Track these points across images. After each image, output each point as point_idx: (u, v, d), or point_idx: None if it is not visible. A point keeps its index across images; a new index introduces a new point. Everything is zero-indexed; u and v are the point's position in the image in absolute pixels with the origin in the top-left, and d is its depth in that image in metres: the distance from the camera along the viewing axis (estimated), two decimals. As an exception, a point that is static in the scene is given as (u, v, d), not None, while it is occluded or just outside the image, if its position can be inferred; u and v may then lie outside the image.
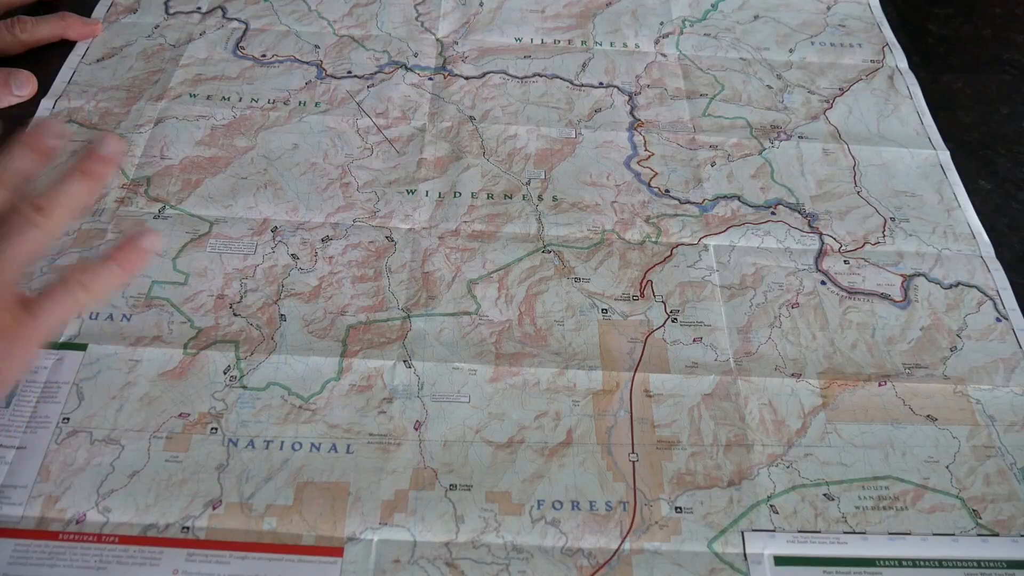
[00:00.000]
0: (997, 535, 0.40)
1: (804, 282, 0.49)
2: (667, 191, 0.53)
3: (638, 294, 0.48)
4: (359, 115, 0.56)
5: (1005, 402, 0.45)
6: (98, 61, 0.59)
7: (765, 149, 0.56)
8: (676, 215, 0.52)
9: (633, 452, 0.42)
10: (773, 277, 0.49)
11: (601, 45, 0.63)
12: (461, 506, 0.39)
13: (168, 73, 0.58)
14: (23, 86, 0.55)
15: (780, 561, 0.39)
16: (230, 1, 0.64)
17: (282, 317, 0.46)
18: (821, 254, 0.51)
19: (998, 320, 0.48)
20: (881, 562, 0.39)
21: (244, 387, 0.43)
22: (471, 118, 0.57)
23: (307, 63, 0.59)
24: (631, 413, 0.43)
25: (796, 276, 0.49)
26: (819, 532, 0.40)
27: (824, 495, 0.41)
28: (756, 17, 0.66)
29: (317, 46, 0.61)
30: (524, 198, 0.52)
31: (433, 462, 0.41)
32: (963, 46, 0.66)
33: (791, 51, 0.63)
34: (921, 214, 0.53)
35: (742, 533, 0.39)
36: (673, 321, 0.47)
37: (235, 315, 0.46)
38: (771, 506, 0.40)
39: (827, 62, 0.63)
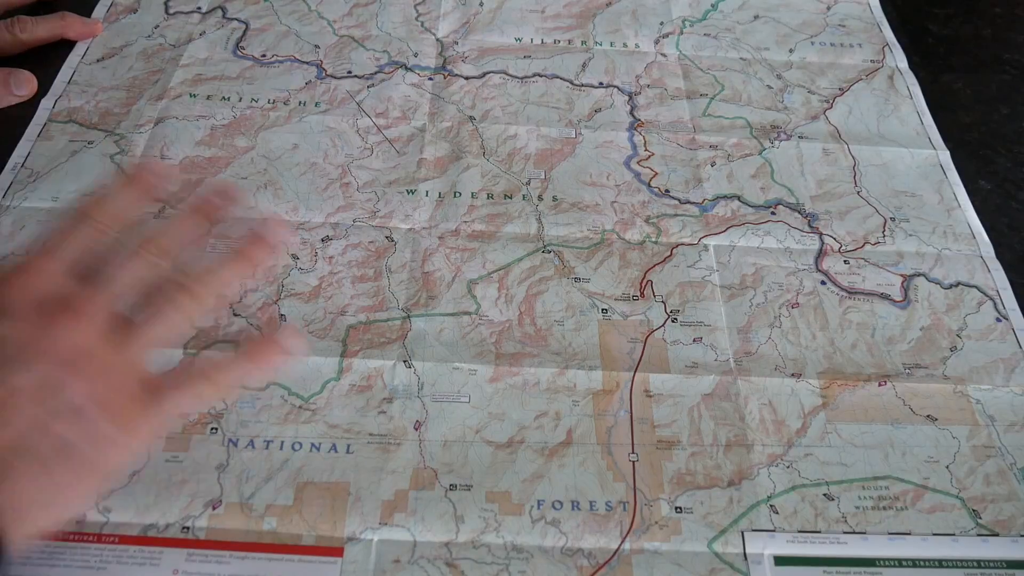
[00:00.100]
0: (997, 535, 0.40)
1: (804, 282, 0.49)
2: (667, 191, 0.53)
3: (638, 294, 0.48)
4: (359, 115, 0.56)
5: (1005, 402, 0.45)
6: (98, 61, 0.59)
7: (765, 149, 0.56)
8: (676, 215, 0.52)
9: (633, 452, 0.42)
10: (773, 277, 0.49)
11: (601, 45, 0.63)
12: (461, 506, 0.39)
13: (168, 73, 0.58)
14: (23, 86, 0.55)
15: (780, 561, 0.39)
16: (230, 1, 0.64)
17: (282, 317, 0.46)
18: (821, 254, 0.51)
19: (998, 320, 0.48)
20: (881, 562, 0.39)
21: (244, 387, 0.43)
22: (471, 118, 0.57)
23: (307, 63, 0.59)
24: (631, 413, 0.43)
25: (796, 276, 0.49)
26: (819, 532, 0.40)
27: (824, 495, 0.41)
28: (756, 17, 0.66)
29: (317, 46, 0.61)
30: (524, 198, 0.52)
31: (433, 462, 0.41)
32: (963, 46, 0.66)
33: (791, 51, 0.63)
34: (921, 214, 0.53)
35: (742, 533, 0.39)
36: (673, 321, 0.47)
37: (235, 315, 0.46)
38: (771, 506, 0.40)
39: (827, 62, 0.63)
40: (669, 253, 0.50)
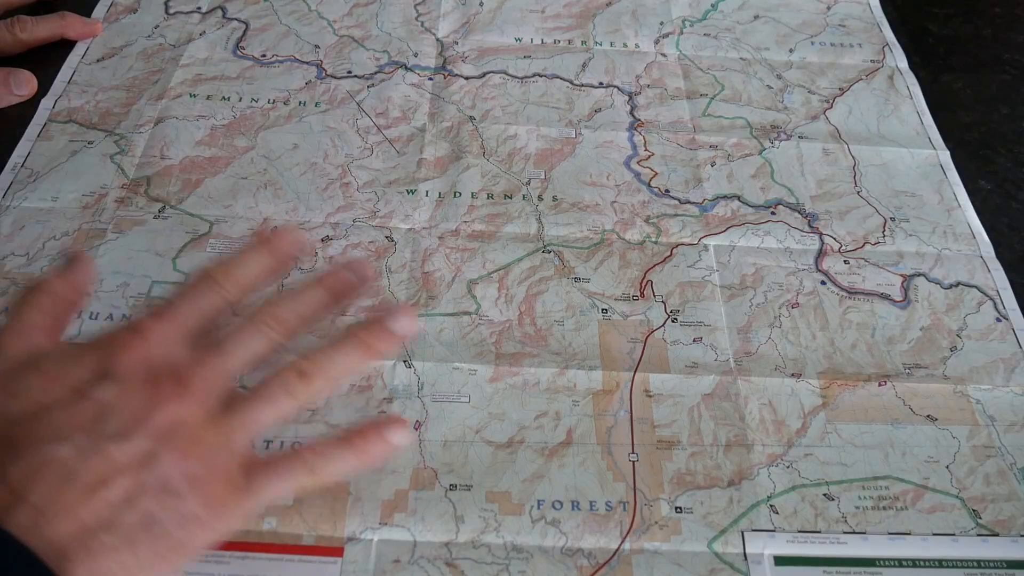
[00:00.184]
0: (997, 535, 0.40)
1: (804, 282, 0.49)
2: (667, 191, 0.53)
3: (638, 294, 0.48)
4: (359, 115, 0.56)
5: (1005, 402, 0.45)
6: (98, 61, 0.59)
7: (765, 149, 0.56)
8: (676, 215, 0.52)
9: (633, 452, 0.42)
10: (773, 277, 0.49)
11: (601, 45, 0.63)
12: (461, 506, 0.39)
13: (168, 73, 0.58)
14: (23, 85, 0.55)
15: (780, 561, 0.39)
16: (230, 1, 0.64)
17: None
18: (821, 254, 0.51)
19: (998, 320, 0.48)
20: (881, 562, 0.39)
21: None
22: (471, 118, 0.57)
23: (307, 63, 0.59)
24: (631, 413, 0.43)
25: (796, 276, 0.49)
26: (819, 532, 0.40)
27: (824, 495, 0.41)
28: (756, 17, 0.66)
29: (317, 46, 0.61)
30: (524, 198, 0.52)
31: (433, 462, 0.41)
32: (963, 46, 0.66)
33: (791, 51, 0.63)
34: (921, 214, 0.53)
35: (742, 533, 0.39)
36: (673, 321, 0.47)
37: (235, 315, 0.45)
38: (771, 506, 0.40)
39: (827, 62, 0.63)
40: (669, 253, 0.50)
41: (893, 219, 0.53)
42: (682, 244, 0.51)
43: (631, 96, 0.59)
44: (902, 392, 0.45)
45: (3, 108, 0.55)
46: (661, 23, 0.65)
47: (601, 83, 0.60)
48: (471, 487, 0.40)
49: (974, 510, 0.41)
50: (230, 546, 0.37)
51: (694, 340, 0.46)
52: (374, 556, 0.38)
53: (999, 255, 0.51)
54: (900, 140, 0.58)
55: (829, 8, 0.67)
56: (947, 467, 0.42)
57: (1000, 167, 0.57)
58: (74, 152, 0.52)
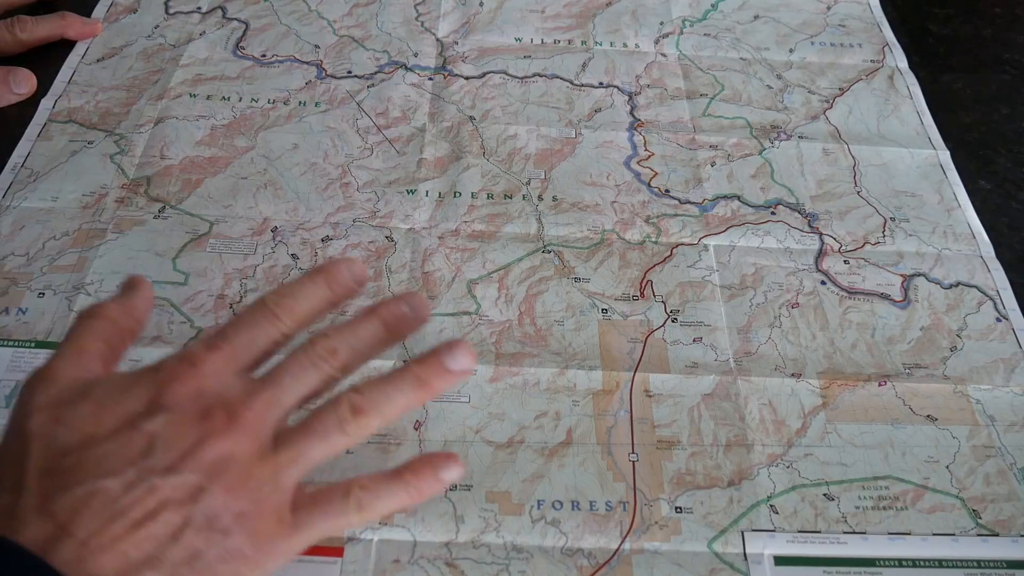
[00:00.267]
0: (997, 535, 0.40)
1: (804, 282, 0.49)
2: (667, 191, 0.53)
3: (638, 294, 0.48)
4: (359, 115, 0.56)
5: (1005, 402, 0.45)
6: (98, 61, 0.59)
7: (765, 149, 0.56)
8: (676, 215, 0.52)
9: (633, 452, 0.42)
10: (773, 277, 0.49)
11: (601, 45, 0.63)
12: (461, 506, 0.39)
13: (168, 73, 0.58)
14: (22, 84, 0.55)
15: (780, 561, 0.39)
16: (230, 1, 0.64)
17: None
18: (821, 254, 0.51)
19: (998, 320, 0.48)
20: (881, 562, 0.39)
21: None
22: (471, 118, 0.57)
23: (307, 63, 0.59)
24: (631, 413, 0.43)
25: (796, 276, 0.49)
26: (819, 532, 0.40)
27: (824, 495, 0.41)
28: (756, 17, 0.66)
29: (317, 46, 0.61)
30: (524, 198, 0.52)
31: (433, 462, 0.41)
32: (963, 46, 0.66)
33: (791, 51, 0.63)
34: (921, 214, 0.53)
35: (742, 533, 0.39)
36: (673, 321, 0.47)
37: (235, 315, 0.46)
38: (771, 506, 0.40)
39: (827, 62, 0.63)
40: (669, 253, 0.50)
41: (893, 219, 0.53)
42: (682, 244, 0.51)
43: (631, 96, 0.59)
44: (902, 392, 0.45)
45: (3, 107, 0.55)
46: (661, 23, 0.65)
47: (601, 83, 0.60)
48: (471, 487, 0.40)
49: (974, 510, 0.41)
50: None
51: (694, 340, 0.46)
52: (374, 556, 0.38)
53: (999, 255, 0.51)
54: (900, 140, 0.58)
55: (829, 8, 0.67)
56: (947, 467, 0.42)
57: (1000, 167, 0.57)
58: (74, 152, 0.52)
